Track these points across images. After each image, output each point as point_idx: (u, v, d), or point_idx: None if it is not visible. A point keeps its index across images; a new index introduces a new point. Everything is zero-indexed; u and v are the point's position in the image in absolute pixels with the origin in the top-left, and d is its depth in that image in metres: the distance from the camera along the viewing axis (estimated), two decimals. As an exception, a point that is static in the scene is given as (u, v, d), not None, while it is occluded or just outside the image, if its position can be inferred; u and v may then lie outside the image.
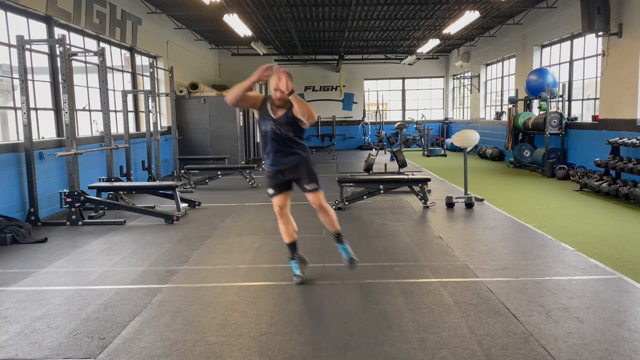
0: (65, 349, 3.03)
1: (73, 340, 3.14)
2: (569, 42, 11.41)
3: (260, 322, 3.38)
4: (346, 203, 7.40)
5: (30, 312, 3.62)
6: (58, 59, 6.65)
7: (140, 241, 5.69)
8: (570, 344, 2.98)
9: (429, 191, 8.03)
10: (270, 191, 4.25)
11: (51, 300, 3.85)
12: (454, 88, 21.02)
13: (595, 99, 10.26)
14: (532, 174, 11.23)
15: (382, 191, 7.44)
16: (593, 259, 4.65)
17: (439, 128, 21.22)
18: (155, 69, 10.58)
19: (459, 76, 19.77)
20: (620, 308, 3.52)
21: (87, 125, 9.32)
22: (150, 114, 10.05)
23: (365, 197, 7.46)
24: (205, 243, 5.52)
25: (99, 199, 6.93)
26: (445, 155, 16.40)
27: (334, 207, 7.31)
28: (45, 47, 7.56)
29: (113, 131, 8.98)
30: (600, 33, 9.20)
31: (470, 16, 11.02)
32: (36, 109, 7.34)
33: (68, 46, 6.71)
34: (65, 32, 8.12)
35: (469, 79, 18.23)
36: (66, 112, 6.51)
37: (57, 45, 6.53)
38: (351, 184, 7.62)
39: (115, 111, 9.96)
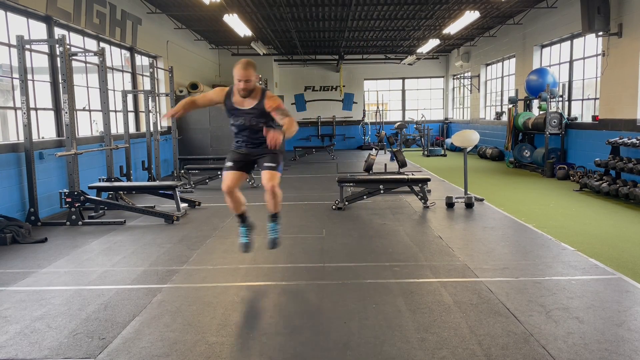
0: (65, 349, 3.03)
1: (73, 340, 3.14)
2: (569, 42, 11.41)
3: (260, 322, 3.38)
4: (346, 203, 7.40)
5: (30, 312, 3.62)
6: (58, 59, 6.65)
7: (140, 241, 5.69)
8: (570, 344, 2.98)
9: (429, 191, 8.03)
10: (228, 164, 4.19)
11: (51, 300, 3.85)
12: (454, 88, 21.02)
13: (595, 99, 10.26)
14: (532, 174, 11.23)
15: (382, 191, 7.44)
16: (593, 259, 4.65)
17: (439, 128, 21.22)
18: (155, 69, 10.58)
19: (459, 76, 19.77)
20: (620, 308, 3.52)
21: (87, 125, 9.33)
22: (150, 114, 10.05)
23: (365, 197, 7.46)
24: (205, 243, 5.52)
25: (99, 199, 6.93)
26: (445, 155, 16.40)
27: (333, 207, 7.31)
28: (45, 47, 7.56)
29: (113, 131, 8.98)
30: (600, 33, 9.20)
31: (470, 16, 11.02)
32: (36, 109, 7.34)
33: (68, 46, 6.71)
34: (65, 32, 8.12)
35: (469, 79, 18.23)
36: (66, 112, 6.51)
37: (57, 45, 6.53)
38: (351, 184, 7.62)
39: (115, 111, 9.96)
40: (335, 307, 3.61)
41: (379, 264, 4.63)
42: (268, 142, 3.75)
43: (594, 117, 10.02)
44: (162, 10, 11.70)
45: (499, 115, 15.09)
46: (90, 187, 7.23)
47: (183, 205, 7.39)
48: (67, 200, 6.51)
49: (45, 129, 7.70)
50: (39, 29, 7.55)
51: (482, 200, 7.72)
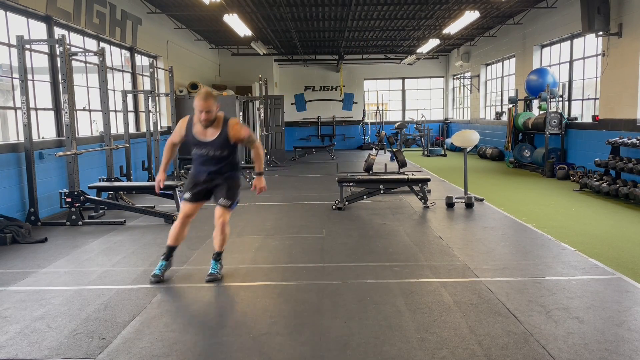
0: (65, 349, 3.03)
1: (73, 340, 3.14)
2: (569, 42, 11.41)
3: (260, 322, 3.38)
4: (346, 203, 7.40)
5: (30, 312, 3.62)
6: (58, 59, 6.65)
7: (140, 241, 5.69)
8: (570, 344, 2.98)
9: (429, 191, 8.03)
10: (187, 195, 4.21)
11: (51, 300, 3.85)
12: (454, 88, 21.02)
13: (595, 99, 10.26)
14: (532, 174, 11.23)
15: (382, 191, 7.44)
16: (593, 259, 4.65)
17: (439, 128, 21.22)
18: (155, 69, 10.58)
19: (459, 76, 19.77)
20: (620, 308, 3.52)
21: (87, 125, 9.32)
22: (150, 114, 10.05)
23: (365, 197, 7.46)
24: (205, 243, 5.52)
25: (99, 199, 6.93)
26: (445, 155, 16.40)
27: (333, 207, 7.31)
28: (45, 47, 7.56)
29: (113, 131, 8.98)
30: (600, 33, 9.20)
31: (470, 16, 11.02)
32: (36, 109, 7.34)
33: (68, 46, 6.71)
34: (65, 32, 8.12)
35: (469, 79, 18.23)
36: (66, 112, 6.51)
37: (57, 45, 6.53)
38: (351, 184, 7.62)
39: (115, 111, 9.96)
40: (335, 307, 3.61)
41: (379, 264, 4.63)
42: (256, 193, 4.26)
43: (594, 117, 10.02)
44: (162, 10, 11.70)
45: (499, 115, 15.09)
46: (90, 187, 7.23)
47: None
48: (67, 200, 6.51)
49: (45, 129, 7.70)
50: (39, 29, 7.55)
51: (482, 200, 7.72)
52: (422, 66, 21.09)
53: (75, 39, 8.64)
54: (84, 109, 9.03)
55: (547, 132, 10.70)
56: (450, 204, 7.32)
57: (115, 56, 10.32)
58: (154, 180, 9.92)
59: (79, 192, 6.58)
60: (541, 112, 11.42)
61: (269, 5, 11.61)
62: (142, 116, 11.35)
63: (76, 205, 6.52)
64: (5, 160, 6.36)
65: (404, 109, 21.88)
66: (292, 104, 20.78)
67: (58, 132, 7.88)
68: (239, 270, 4.54)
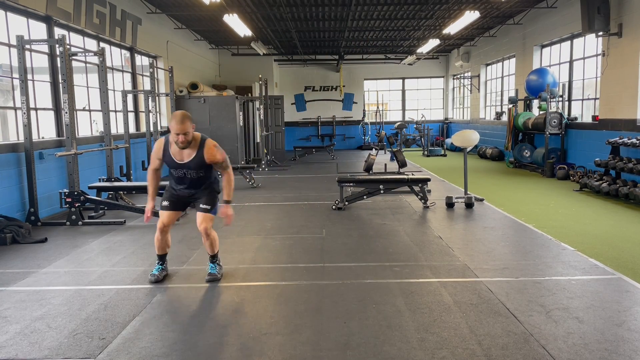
0: (65, 349, 3.03)
1: (73, 340, 3.14)
2: (569, 42, 11.41)
3: (260, 322, 3.38)
4: (346, 203, 7.40)
5: (30, 312, 3.62)
6: (58, 59, 6.65)
7: (140, 241, 5.69)
8: (570, 344, 2.98)
9: (429, 191, 8.03)
10: (164, 203, 4.24)
11: (51, 300, 3.85)
12: (454, 88, 21.02)
13: (595, 99, 10.26)
14: (532, 174, 11.23)
15: (382, 191, 7.44)
16: (593, 259, 4.65)
17: (439, 128, 21.22)
18: (155, 69, 10.58)
19: (459, 76, 19.77)
20: (620, 308, 3.52)
21: (87, 125, 9.32)
22: (150, 114, 10.05)
23: (365, 197, 7.46)
24: (205, 243, 5.51)
25: (99, 199, 6.93)
26: (445, 155, 16.40)
27: (333, 207, 7.31)
28: (45, 47, 7.56)
29: (113, 131, 8.99)
30: (600, 33, 9.20)
31: (470, 16, 11.02)
32: (36, 109, 7.34)
33: (68, 46, 6.71)
34: (65, 32, 8.12)
35: (469, 79, 18.23)
36: (66, 112, 6.51)
37: (57, 45, 6.53)
38: (351, 184, 7.61)
39: (115, 111, 9.96)
40: (335, 307, 3.61)
41: (379, 264, 4.63)
42: (224, 223, 4.17)
43: (594, 117, 10.02)
44: (162, 10, 11.69)
45: (499, 115, 15.09)
46: (90, 187, 7.23)
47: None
48: (67, 200, 6.51)
49: (45, 129, 7.70)
50: (39, 29, 7.55)
51: (482, 200, 7.72)
52: (422, 66, 21.09)
53: (75, 39, 8.64)
54: (84, 109, 9.02)
55: (547, 132, 10.70)
56: (450, 204, 7.32)
57: (115, 56, 10.32)
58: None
59: (79, 192, 6.58)
60: (541, 112, 11.42)
61: (269, 5, 11.61)
62: (142, 116, 11.36)
63: (76, 205, 6.52)
64: (5, 160, 6.36)
65: (404, 109, 21.88)
66: (292, 104, 20.79)
67: (58, 132, 7.88)
68: (239, 270, 4.54)
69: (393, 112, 22.08)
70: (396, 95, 21.95)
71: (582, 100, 11.19)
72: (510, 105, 12.82)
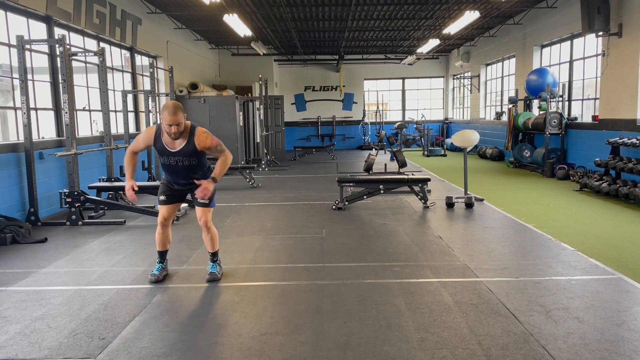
0: (65, 349, 3.03)
1: (73, 340, 3.14)
2: (569, 42, 11.41)
3: (260, 322, 3.38)
4: (346, 203, 7.40)
5: (30, 312, 3.62)
6: (58, 59, 6.65)
7: (140, 241, 5.69)
8: (570, 344, 2.98)
9: (429, 191, 8.03)
10: (162, 197, 4.24)
11: (51, 300, 3.85)
12: (454, 88, 21.02)
13: (595, 99, 10.26)
14: (532, 174, 11.23)
15: (382, 191, 7.44)
16: (593, 259, 4.65)
17: (439, 128, 21.22)
18: (155, 69, 10.58)
19: (459, 76, 19.77)
20: (620, 308, 3.52)
21: (87, 125, 9.32)
22: (150, 114, 10.05)
23: (365, 197, 7.46)
24: (205, 243, 5.51)
25: (99, 199, 6.93)
26: (445, 155, 16.40)
27: (333, 207, 7.31)
28: (45, 47, 7.56)
29: (113, 131, 8.98)
30: (600, 33, 9.20)
31: (470, 16, 11.02)
32: (36, 109, 7.34)
33: (68, 46, 6.71)
34: (65, 32, 8.12)
35: (469, 79, 18.23)
36: (66, 112, 6.51)
37: (57, 45, 6.53)
38: (351, 184, 7.61)
39: (115, 111, 9.96)
40: (335, 307, 3.61)
41: (379, 264, 4.63)
42: (199, 195, 4.00)
43: (594, 117, 10.02)
44: (162, 10, 11.69)
45: (499, 115, 15.09)
46: (90, 187, 7.23)
47: (183, 205, 7.38)
48: (67, 200, 6.51)
49: (45, 129, 7.69)
50: (39, 29, 7.55)
51: (482, 200, 7.72)
52: (422, 66, 21.09)
53: (75, 39, 8.64)
54: (84, 109, 9.02)
55: (547, 132, 10.70)
56: (450, 204, 7.32)
57: (115, 56, 10.32)
58: (154, 180, 9.94)
59: (79, 192, 6.58)
60: (541, 112, 11.42)
61: (269, 5, 11.61)
62: (142, 116, 11.36)
63: (76, 205, 6.52)
64: (5, 160, 6.36)
65: (404, 109, 21.88)
66: (292, 104, 20.79)
67: (58, 132, 7.88)
68: (239, 270, 4.55)
69: (393, 112, 22.08)
70: (396, 95, 21.95)
71: (582, 100, 11.19)
72: (510, 105, 12.82)
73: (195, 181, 4.14)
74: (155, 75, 10.52)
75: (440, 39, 14.98)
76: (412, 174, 8.39)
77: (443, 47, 18.13)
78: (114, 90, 9.84)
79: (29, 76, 6.90)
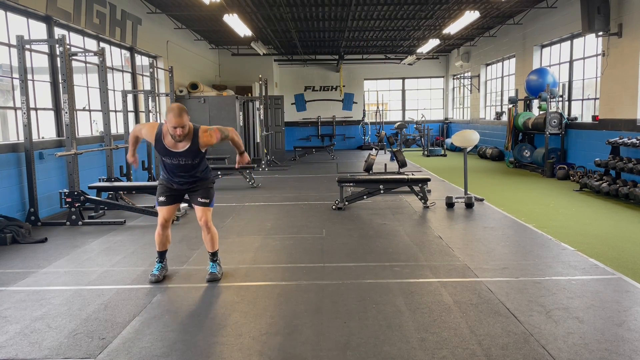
0: (65, 349, 3.03)
1: (73, 340, 3.14)
2: (569, 42, 11.41)
3: (260, 322, 3.38)
4: (346, 203, 7.40)
5: (30, 312, 3.62)
6: (58, 59, 6.65)
7: (140, 241, 5.69)
8: (570, 344, 2.98)
9: (429, 191, 8.03)
10: (161, 199, 4.23)
11: (51, 300, 3.85)
12: (454, 88, 21.02)
13: (595, 99, 10.26)
14: (532, 174, 11.23)
15: (382, 191, 7.44)
16: (593, 259, 4.65)
17: (439, 128, 21.22)
18: (155, 69, 10.58)
19: (459, 76, 19.77)
20: (620, 308, 3.52)
21: (87, 125, 9.32)
22: (150, 114, 10.05)
23: (365, 197, 7.46)
24: (205, 243, 5.51)
25: (99, 199, 6.93)
26: (445, 155, 16.40)
27: (333, 207, 7.31)
28: (45, 47, 7.56)
29: (113, 131, 8.98)
30: (600, 33, 9.20)
31: (470, 16, 11.02)
32: (36, 109, 7.34)
33: (68, 46, 6.71)
34: (65, 32, 8.12)
35: (469, 79, 18.23)
36: (66, 112, 6.51)
37: (57, 45, 6.53)
38: (351, 184, 7.61)
39: (115, 111, 9.96)
40: (335, 307, 3.61)
41: (379, 264, 4.63)
42: (242, 163, 4.39)
43: (594, 117, 10.02)
44: (162, 10, 11.70)
45: (499, 115, 15.09)
46: (90, 187, 7.23)
47: (183, 205, 7.37)
48: (67, 200, 6.51)
49: (45, 129, 7.69)
50: (39, 29, 7.55)
51: (482, 200, 7.72)
52: (422, 66, 21.09)
53: (75, 39, 8.64)
54: (84, 109, 9.03)
55: (547, 132, 10.70)
56: (450, 204, 7.32)
57: (115, 56, 10.32)
58: (154, 180, 9.95)
59: (79, 192, 6.58)
60: (541, 112, 11.41)
61: (269, 5, 11.61)
62: (142, 116, 11.35)
63: (76, 205, 6.52)
64: (5, 160, 6.36)
65: (404, 109, 21.88)
66: (292, 104, 20.79)
67: (58, 132, 7.88)
68: (239, 270, 4.55)
69: (393, 112, 22.08)
70: (396, 95, 21.95)
71: (582, 100, 11.19)
72: (510, 105, 12.82)
73: (238, 162, 4.38)
74: (155, 75, 10.51)
75: (440, 39, 14.98)
76: (412, 174, 8.39)
77: (443, 47, 18.13)
78: (114, 90, 9.84)
79: (29, 76, 6.90)
